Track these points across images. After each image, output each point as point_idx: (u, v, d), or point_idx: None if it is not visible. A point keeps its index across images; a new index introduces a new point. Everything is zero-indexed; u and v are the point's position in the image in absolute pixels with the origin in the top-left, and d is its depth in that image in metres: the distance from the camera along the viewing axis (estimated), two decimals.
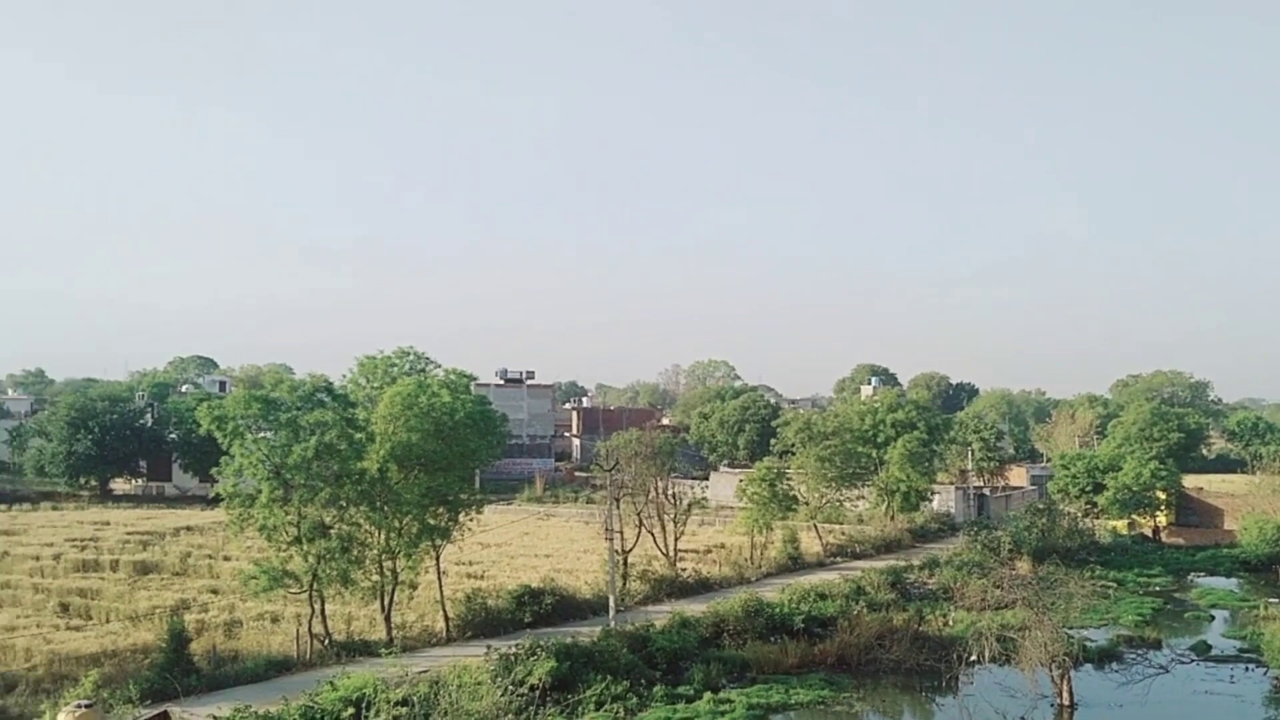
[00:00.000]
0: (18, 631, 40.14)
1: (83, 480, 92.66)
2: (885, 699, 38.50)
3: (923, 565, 59.59)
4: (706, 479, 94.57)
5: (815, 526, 65.44)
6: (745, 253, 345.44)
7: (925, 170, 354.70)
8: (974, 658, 38.98)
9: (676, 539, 54.53)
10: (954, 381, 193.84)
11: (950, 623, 46.45)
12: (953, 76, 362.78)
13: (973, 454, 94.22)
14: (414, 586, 42.53)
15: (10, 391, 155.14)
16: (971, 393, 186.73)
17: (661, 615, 43.91)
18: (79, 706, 16.19)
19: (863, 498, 72.66)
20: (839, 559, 62.63)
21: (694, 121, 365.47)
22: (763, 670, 39.56)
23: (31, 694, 31.83)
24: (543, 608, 43.59)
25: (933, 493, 79.31)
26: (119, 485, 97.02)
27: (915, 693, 39.30)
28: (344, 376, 47.46)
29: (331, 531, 38.60)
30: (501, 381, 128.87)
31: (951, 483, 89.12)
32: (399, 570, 40.83)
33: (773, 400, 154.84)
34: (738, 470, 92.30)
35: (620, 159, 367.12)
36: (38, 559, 56.05)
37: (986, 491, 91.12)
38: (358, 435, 39.47)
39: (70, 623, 42.56)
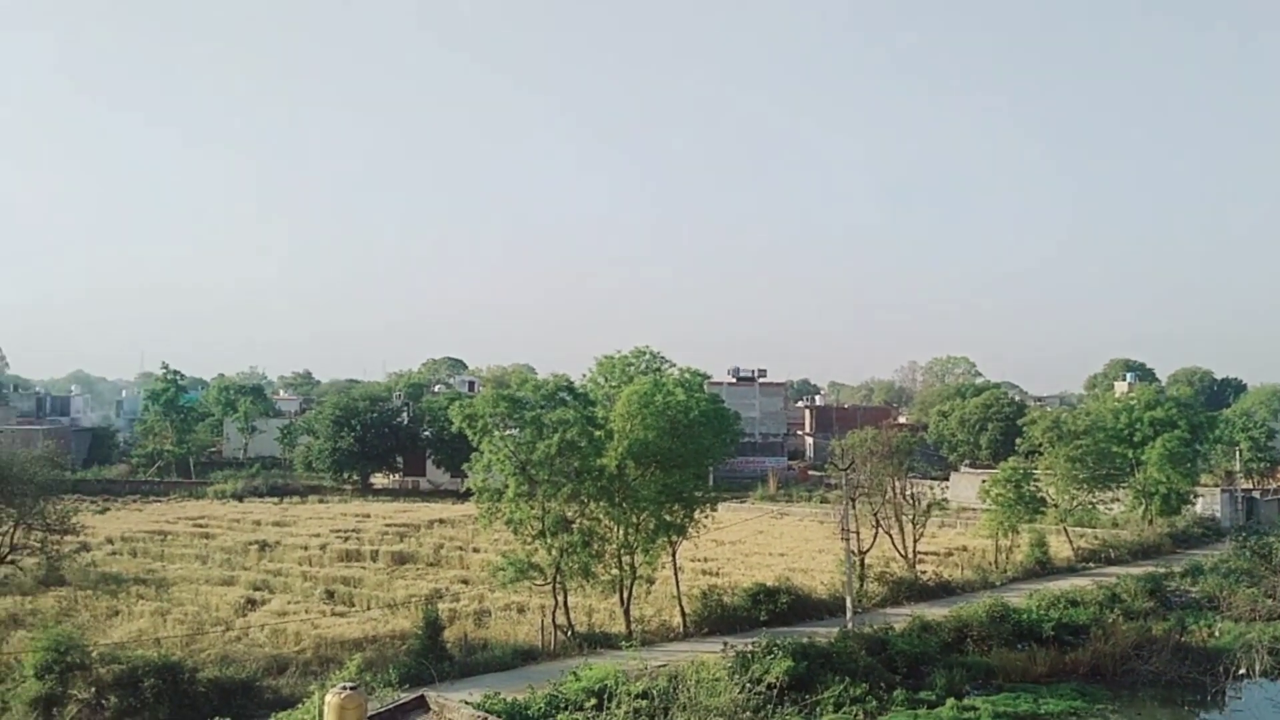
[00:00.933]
0: (288, 616, 43.22)
1: (346, 475, 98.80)
2: (1143, 712, 36.27)
3: (1184, 572, 55.90)
4: (946, 479, 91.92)
5: (1065, 530, 62.47)
6: (986, 245, 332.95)
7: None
8: (1243, 671, 36.31)
9: (915, 540, 53.23)
10: (1218, 377, 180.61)
11: (1216, 634, 43.32)
12: None
13: (1240, 454, 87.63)
14: (651, 581, 43.23)
15: (281, 393, 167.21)
16: (1239, 388, 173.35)
17: (900, 618, 42.93)
18: (344, 689, 17.15)
19: (1117, 500, 68.75)
20: (1091, 564, 59.52)
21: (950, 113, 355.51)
22: (1009, 678, 38.06)
23: (300, 675, 34.14)
24: (778, 606, 43.45)
25: (1195, 495, 74.44)
26: (378, 480, 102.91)
27: (1176, 707, 36.86)
28: (583, 376, 48.78)
29: (573, 526, 39.74)
30: (734, 380, 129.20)
31: (1217, 485, 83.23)
32: (636, 565, 41.62)
33: (1017, 398, 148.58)
34: (980, 471, 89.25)
35: (862, 155, 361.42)
36: (306, 549, 60.21)
37: (1256, 494, 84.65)
38: (597, 433, 40.48)
39: (335, 609, 45.43)
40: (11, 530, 36.90)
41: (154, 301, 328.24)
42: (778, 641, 35.24)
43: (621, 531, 41.13)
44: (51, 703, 29.77)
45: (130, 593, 47.54)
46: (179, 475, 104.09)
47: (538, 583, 40.38)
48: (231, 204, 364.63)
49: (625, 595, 41.52)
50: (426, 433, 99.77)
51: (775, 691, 31.06)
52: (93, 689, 30.15)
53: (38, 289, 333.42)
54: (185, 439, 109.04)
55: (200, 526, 69.82)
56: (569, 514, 40.06)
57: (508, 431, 41.00)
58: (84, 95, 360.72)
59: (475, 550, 59.98)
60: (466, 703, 25.60)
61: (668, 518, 41.39)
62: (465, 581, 51.40)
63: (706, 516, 43.89)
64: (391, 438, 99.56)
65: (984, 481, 62.15)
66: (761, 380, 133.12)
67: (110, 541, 61.95)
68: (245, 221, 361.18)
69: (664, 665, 33.36)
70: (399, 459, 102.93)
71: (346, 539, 63.61)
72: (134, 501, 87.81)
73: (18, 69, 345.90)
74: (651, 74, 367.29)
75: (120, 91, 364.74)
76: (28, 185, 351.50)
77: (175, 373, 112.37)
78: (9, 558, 37.39)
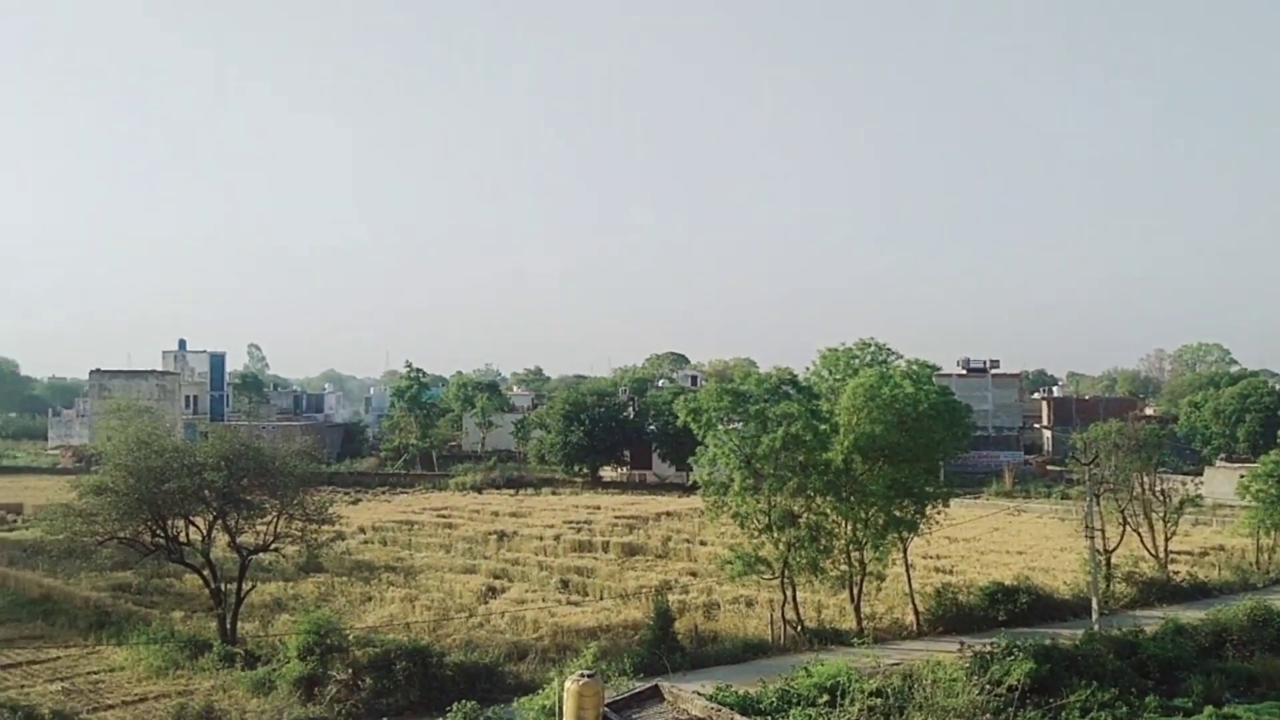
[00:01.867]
0: (527, 604, 44.82)
1: (576, 468, 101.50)
2: None
3: None
4: (1199, 475, 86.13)
5: None
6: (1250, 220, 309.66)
7: None
8: None
9: (1167, 539, 50.15)
10: None
11: None
12: None
13: None
14: (881, 578, 42.46)
15: (515, 388, 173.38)
16: None
17: (1151, 621, 40.51)
18: (582, 676, 17.62)
19: None
20: None
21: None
22: (1273, 685, 35.24)
23: (540, 661, 35.33)
24: (1017, 606, 41.83)
25: None
26: (607, 473, 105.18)
27: None
28: (807, 369, 48.39)
29: (800, 520, 39.49)
30: (964, 371, 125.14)
31: None
32: (866, 561, 40.97)
33: (1278, 386, 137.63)
34: (1237, 465, 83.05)
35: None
36: (541, 539, 62.28)
37: None
38: (822, 426, 40.09)
39: (569, 598, 46.81)
40: (275, 520, 39.64)
41: (398, 304, 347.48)
42: (1018, 642, 33.91)
43: (850, 527, 40.57)
44: (313, 682, 31.90)
45: (381, 579, 50.51)
46: (423, 468, 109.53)
47: (765, 577, 40.34)
48: (467, 215, 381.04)
49: (855, 591, 40.95)
50: (652, 427, 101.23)
51: (1016, 694, 29.88)
52: (350, 670, 32.13)
53: (293, 297, 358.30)
54: (428, 433, 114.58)
55: (443, 517, 73.28)
56: (795, 508, 39.81)
57: (732, 425, 41.14)
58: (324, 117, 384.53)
59: (702, 543, 60.50)
60: (699, 694, 25.87)
61: (897, 513, 40.51)
62: (693, 574, 51.93)
63: (938, 512, 42.74)
64: (619, 432, 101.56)
65: (1242, 476, 57.85)
66: (994, 371, 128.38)
67: (362, 531, 65.88)
68: (483, 232, 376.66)
69: (897, 664, 32.70)
70: (626, 452, 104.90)
71: (579, 530, 65.37)
72: (383, 493, 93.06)
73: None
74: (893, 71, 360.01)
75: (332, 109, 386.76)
76: (302, 206, 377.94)
77: (418, 371, 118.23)
78: (273, 545, 40.20)
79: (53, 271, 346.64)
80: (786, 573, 39.62)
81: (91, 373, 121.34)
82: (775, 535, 39.20)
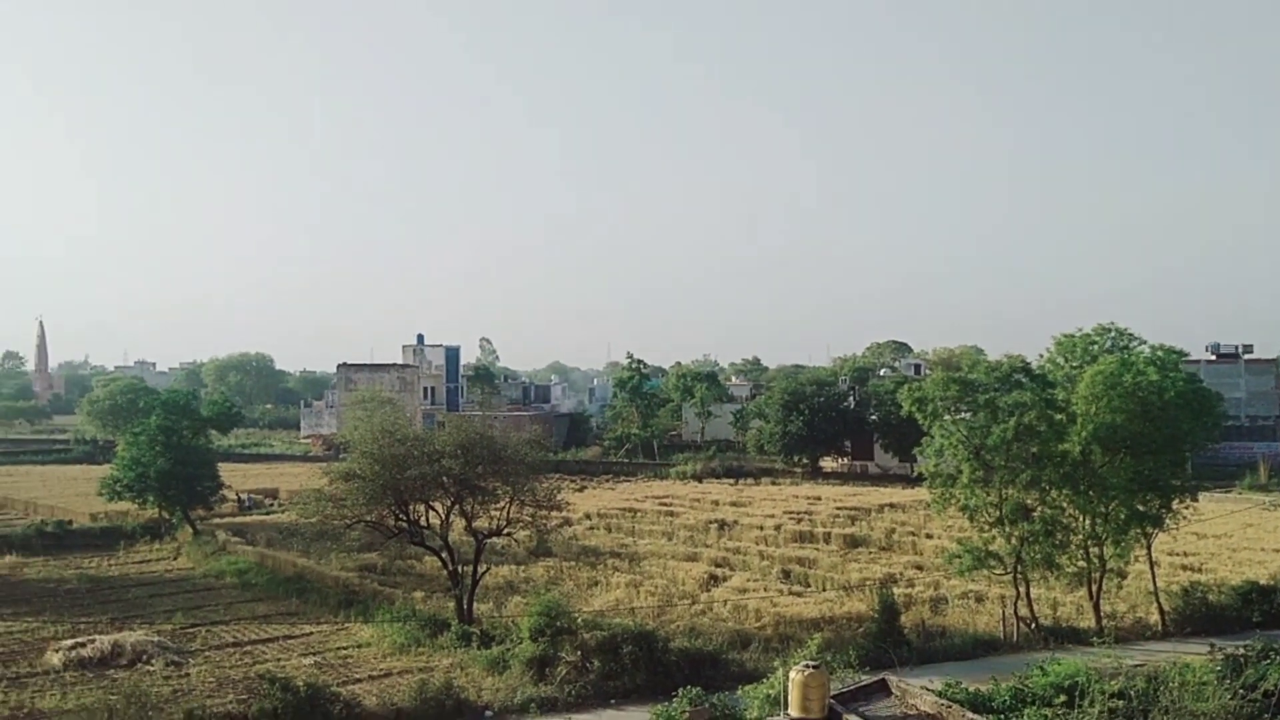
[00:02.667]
0: (748, 594, 44.90)
1: (795, 458, 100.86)
2: None
3: None
4: None
5: None
6: None
7: None
8: None
9: None
10: None
11: None
12: None
13: None
14: (1122, 575, 40.31)
15: (733, 379, 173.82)
16: None
17: None
18: (808, 666, 17.52)
19: None
20: None
21: None
22: None
23: (762, 651, 35.31)
24: (1274, 607, 38.93)
25: None
26: (827, 463, 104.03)
27: None
28: (1040, 356, 46.41)
29: (1034, 514, 37.96)
30: (1214, 357, 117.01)
31: None
32: (1106, 557, 38.96)
33: None
34: None
35: None
36: (761, 529, 62.21)
37: None
38: (1057, 416, 38.34)
39: (791, 588, 46.58)
40: (507, 506, 41.12)
41: (618, 299, 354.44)
42: (1276, 645, 31.51)
43: (1088, 521, 38.65)
44: (544, 663, 32.97)
45: (606, 565, 51.70)
46: (644, 457, 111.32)
47: (996, 572, 38.99)
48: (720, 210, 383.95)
49: (1094, 589, 39.01)
50: (873, 416, 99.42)
51: (1273, 701, 27.81)
52: (578, 652, 33.02)
53: (521, 293, 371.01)
54: (649, 423, 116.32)
55: (665, 505, 74.26)
56: (1028, 501, 38.28)
57: (959, 415, 39.91)
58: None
59: (928, 536, 59.02)
60: (927, 689, 25.29)
61: (1140, 508, 38.28)
62: (919, 567, 50.74)
63: (1186, 507, 40.18)
64: (839, 421, 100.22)
65: None
66: (1247, 357, 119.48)
67: (588, 517, 67.55)
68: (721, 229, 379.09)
69: (1140, 665, 30.92)
70: (847, 443, 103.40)
71: (799, 520, 64.93)
72: (606, 481, 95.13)
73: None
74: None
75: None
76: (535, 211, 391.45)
77: (639, 362, 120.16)
78: (506, 530, 41.71)
79: (303, 278, 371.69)
80: (1019, 568, 38.18)
81: (339, 366, 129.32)
82: (1007, 529, 37.82)
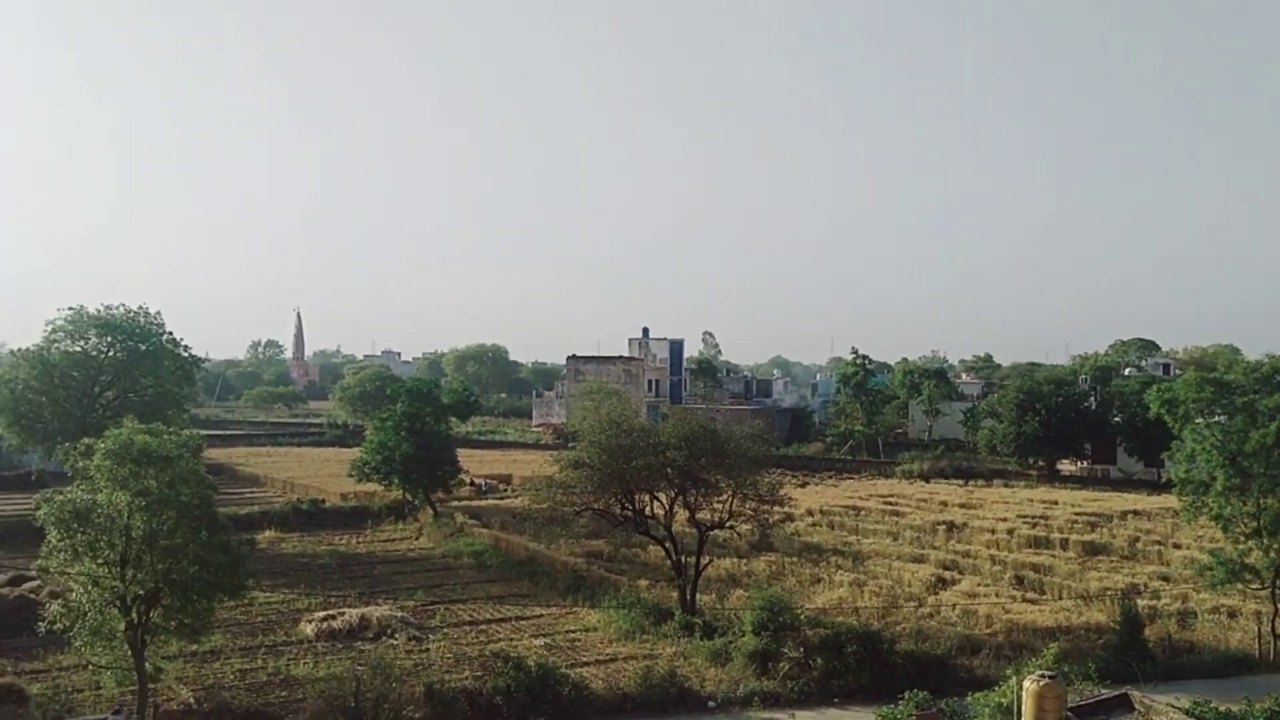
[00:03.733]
0: (978, 599, 43.48)
1: (1030, 460, 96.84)
2: None
3: None
4: None
5: None
6: None
7: None
8: None
9: None
10: None
11: None
12: None
13: None
14: None
15: (963, 376, 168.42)
16: None
17: None
18: (1043, 676, 16.92)
19: None
20: None
21: None
22: None
23: (993, 658, 34.21)
24: None
25: None
26: (1065, 466, 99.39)
27: None
28: None
29: None
30: None
31: None
32: None
33: None
34: None
35: None
36: (993, 532, 60.04)
37: None
38: None
39: (1025, 595, 44.77)
40: (730, 499, 41.32)
41: (841, 293, 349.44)
42: None
43: None
44: (767, 657, 32.99)
45: (829, 562, 51.16)
46: (868, 454, 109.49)
47: (1252, 586, 36.40)
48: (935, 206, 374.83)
49: None
50: (1116, 418, 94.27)
51: None
52: (801, 649, 32.87)
53: (744, 287, 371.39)
54: (873, 420, 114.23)
55: (890, 504, 72.79)
56: None
57: (1213, 419, 37.41)
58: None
59: (1176, 546, 55.51)
60: (1173, 706, 23.89)
61: None
62: (1165, 578, 47.81)
63: None
64: (1078, 423, 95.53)
65: None
66: None
67: (810, 514, 66.99)
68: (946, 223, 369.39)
69: None
70: (1087, 445, 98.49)
71: (1034, 525, 62.32)
72: (829, 477, 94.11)
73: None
74: None
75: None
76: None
77: (864, 358, 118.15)
78: (728, 523, 41.92)
79: (536, 275, 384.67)
80: (1278, 583, 35.46)
81: (568, 358, 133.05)
82: (1265, 541, 35.19)
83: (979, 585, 46.48)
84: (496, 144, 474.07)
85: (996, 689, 25.41)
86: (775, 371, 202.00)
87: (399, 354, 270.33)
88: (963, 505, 72.82)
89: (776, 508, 43.16)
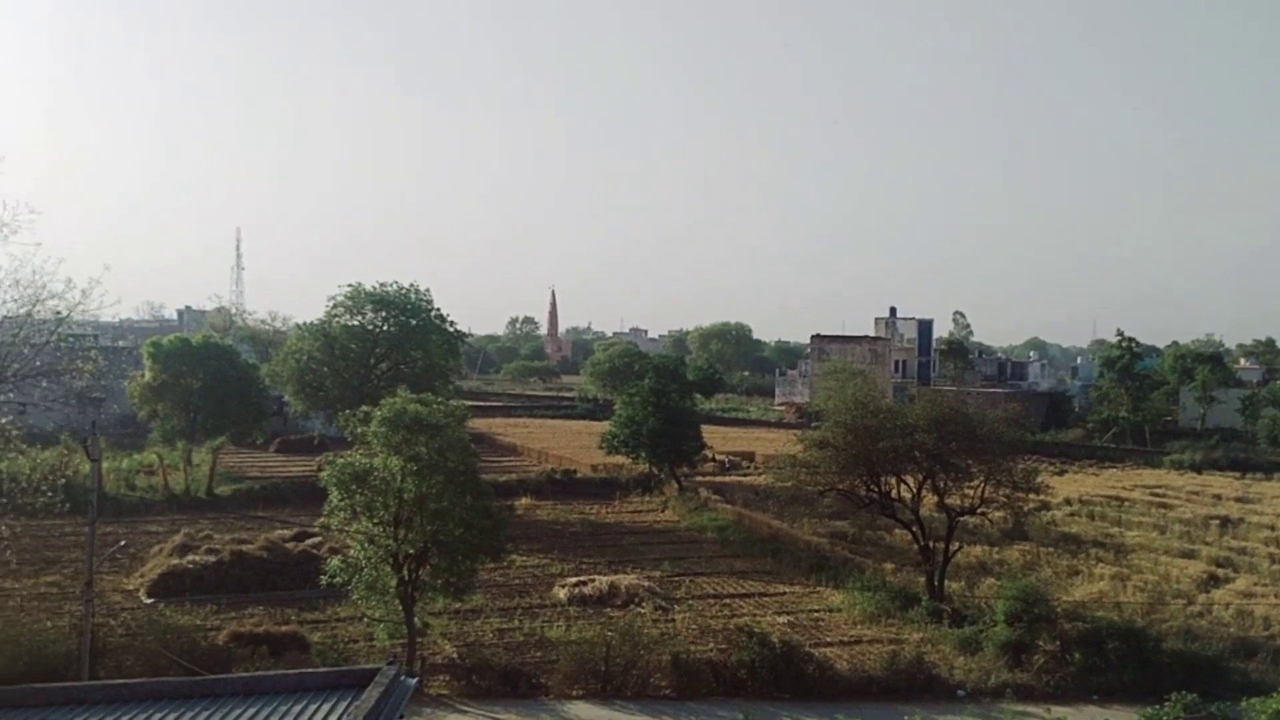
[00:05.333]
0: (1256, 599, 40.55)
1: None
2: None
3: None
4: None
5: None
6: None
7: None
8: None
9: None
10: None
11: None
12: None
13: None
14: None
15: (1242, 361, 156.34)
16: None
17: None
18: None
19: None
20: None
21: None
22: None
23: (1271, 663, 31.99)
24: None
25: None
26: None
27: None
28: None
29: None
30: None
31: None
32: None
33: None
34: None
35: None
36: (1273, 529, 55.64)
37: None
38: None
39: None
40: (982, 484, 40.15)
41: (1103, 271, 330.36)
42: None
43: None
44: (1019, 649, 31.96)
45: (1089, 554, 48.84)
46: (1133, 442, 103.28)
47: None
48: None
49: None
50: None
51: None
52: (1057, 642, 31.69)
53: (996, 265, 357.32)
54: (1140, 407, 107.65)
55: (1156, 496, 68.54)
56: None
57: None
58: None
59: None
60: None
61: None
62: None
63: None
64: None
65: None
66: None
67: (1068, 503, 63.95)
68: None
69: None
70: None
71: None
72: (1089, 466, 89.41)
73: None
74: None
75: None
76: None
77: (1130, 340, 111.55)
78: (979, 509, 40.74)
79: (776, 253, 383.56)
80: None
81: (812, 338, 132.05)
82: None
83: (1256, 585, 43.29)
84: (733, 118, 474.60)
85: (1275, 695, 23.68)
86: (1031, 353, 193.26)
87: (646, 331, 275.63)
88: (1239, 499, 67.70)
89: (1031, 495, 41.65)
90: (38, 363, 30.04)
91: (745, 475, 74.81)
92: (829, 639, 35.76)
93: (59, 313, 29.21)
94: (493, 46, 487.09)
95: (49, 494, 29.36)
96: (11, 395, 30.98)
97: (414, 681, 16.21)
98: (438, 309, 69.41)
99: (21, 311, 28.78)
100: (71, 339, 30.68)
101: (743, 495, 63.53)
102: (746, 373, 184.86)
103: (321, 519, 32.12)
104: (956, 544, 41.28)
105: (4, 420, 28.64)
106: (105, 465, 54.01)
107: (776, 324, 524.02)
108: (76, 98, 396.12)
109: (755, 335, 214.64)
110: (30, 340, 29.40)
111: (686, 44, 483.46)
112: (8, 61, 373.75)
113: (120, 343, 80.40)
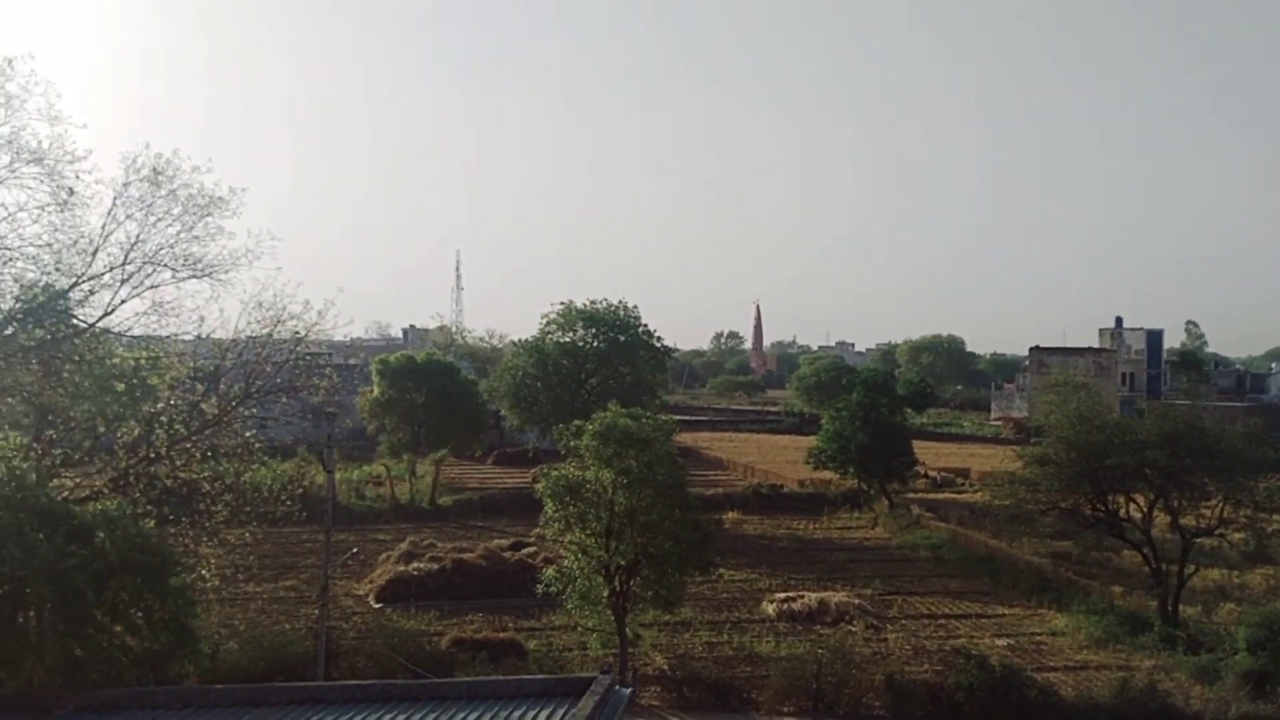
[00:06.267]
0: None
1: None
2: None
3: None
4: None
5: None
6: None
7: None
8: None
9: None
10: None
11: None
12: None
13: None
14: None
15: None
16: None
17: None
18: None
19: None
20: None
21: None
22: None
23: None
24: None
25: None
26: None
27: None
28: None
29: None
30: None
31: None
32: None
33: None
34: None
35: None
36: None
37: None
38: None
39: None
40: (1220, 504, 37.82)
41: None
42: None
43: None
44: (1264, 679, 29.84)
45: None
46: None
47: None
48: None
49: None
50: None
51: None
52: None
53: (1233, 271, 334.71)
54: None
55: None
56: None
57: None
58: None
59: None
60: None
61: None
62: None
63: None
64: None
65: None
66: None
67: None
68: None
69: None
70: None
71: None
72: None
73: None
74: None
75: None
76: None
77: None
78: (1217, 530, 38.33)
79: (992, 260, 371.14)
80: None
81: (1031, 350, 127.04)
82: None
83: None
84: (940, 114, 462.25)
85: None
86: (1273, 365, 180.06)
87: (852, 344, 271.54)
88: None
89: (1276, 516, 38.86)
90: (278, 380, 32.07)
91: (959, 492, 72.64)
92: (1052, 664, 34.27)
93: (297, 333, 31.19)
94: (689, 51, 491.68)
95: (288, 503, 31.30)
96: (255, 410, 33.19)
97: (628, 692, 16.48)
98: (645, 325, 70.59)
99: (264, 332, 30.85)
100: (308, 357, 32.63)
101: (957, 513, 61.68)
102: (960, 387, 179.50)
103: (537, 529, 33.13)
104: (1192, 566, 38.97)
105: (249, 434, 30.76)
106: (337, 476, 57.33)
107: (990, 336, 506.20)
108: (313, 133, 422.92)
109: (969, 348, 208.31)
110: (271, 359, 31.46)
111: (906, 42, 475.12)
112: (254, 99, 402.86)
113: (351, 360, 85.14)
